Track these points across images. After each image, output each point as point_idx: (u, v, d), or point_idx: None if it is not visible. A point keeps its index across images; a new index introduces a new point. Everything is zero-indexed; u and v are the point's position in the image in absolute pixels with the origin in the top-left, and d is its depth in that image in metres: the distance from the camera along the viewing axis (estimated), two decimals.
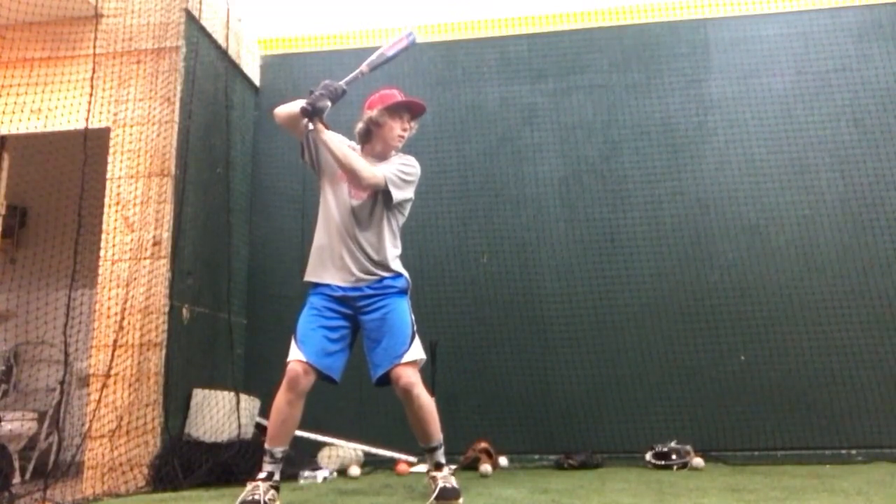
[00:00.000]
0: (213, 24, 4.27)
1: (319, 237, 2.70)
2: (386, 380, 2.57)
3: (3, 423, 4.05)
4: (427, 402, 2.55)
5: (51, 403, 4.56)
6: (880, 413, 3.94)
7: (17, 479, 4.00)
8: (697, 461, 3.61)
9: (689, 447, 3.69)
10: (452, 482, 2.52)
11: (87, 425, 3.42)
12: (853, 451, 3.89)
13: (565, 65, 4.71)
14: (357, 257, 2.61)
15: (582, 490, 2.87)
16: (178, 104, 3.81)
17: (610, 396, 4.16)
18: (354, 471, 3.71)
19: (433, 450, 2.62)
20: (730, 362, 4.12)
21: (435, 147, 4.65)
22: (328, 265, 2.64)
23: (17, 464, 4.11)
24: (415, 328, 2.64)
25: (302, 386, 2.50)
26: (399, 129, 2.75)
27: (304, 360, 2.49)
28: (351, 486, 3.27)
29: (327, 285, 2.63)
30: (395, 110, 2.74)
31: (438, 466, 2.60)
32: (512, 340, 4.30)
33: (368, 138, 2.77)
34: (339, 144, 2.60)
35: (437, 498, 2.45)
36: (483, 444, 3.81)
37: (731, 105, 4.50)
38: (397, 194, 2.64)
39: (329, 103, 2.53)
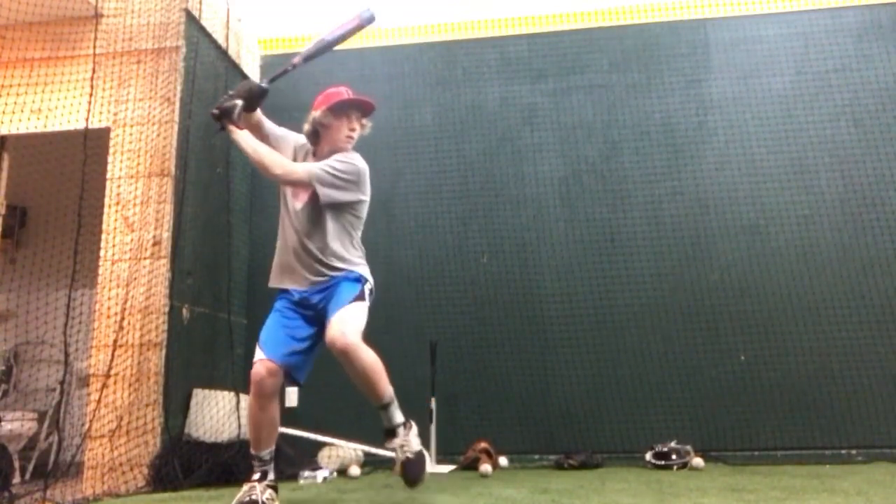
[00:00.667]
0: (213, 24, 4.27)
1: (278, 243, 2.64)
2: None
3: (3, 423, 4.05)
4: (370, 360, 2.33)
5: (51, 403, 4.56)
6: (880, 413, 3.94)
7: (17, 479, 3.99)
8: (697, 461, 3.61)
9: (689, 447, 3.69)
10: (413, 448, 2.39)
11: (87, 425, 3.42)
12: (853, 451, 3.89)
13: (565, 65, 4.71)
14: (305, 260, 2.52)
15: (582, 490, 2.87)
16: (178, 104, 3.81)
17: (610, 396, 4.16)
18: (354, 471, 3.71)
19: (386, 407, 2.41)
20: (730, 362, 4.12)
21: (435, 147, 4.65)
22: (284, 270, 2.58)
23: (17, 464, 4.11)
24: (360, 300, 2.48)
25: (268, 388, 2.43)
26: (346, 130, 2.60)
27: (264, 357, 2.42)
28: (351, 486, 3.27)
29: (286, 290, 2.57)
30: (339, 109, 2.59)
31: (394, 431, 2.42)
32: (512, 340, 4.30)
33: (316, 140, 2.64)
34: (251, 142, 2.48)
35: (403, 476, 2.38)
36: (483, 444, 3.81)
37: (731, 105, 4.50)
38: (327, 193, 2.47)
39: (239, 102, 2.44)
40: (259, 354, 2.45)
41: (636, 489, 2.87)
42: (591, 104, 4.63)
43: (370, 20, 2.78)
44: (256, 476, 2.46)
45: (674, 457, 3.63)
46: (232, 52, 4.51)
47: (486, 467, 3.56)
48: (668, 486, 2.95)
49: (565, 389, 4.20)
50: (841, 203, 4.28)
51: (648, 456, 3.70)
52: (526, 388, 4.23)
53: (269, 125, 2.70)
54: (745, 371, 4.10)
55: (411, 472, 2.40)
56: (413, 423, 2.50)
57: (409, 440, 2.43)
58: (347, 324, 2.35)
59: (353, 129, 2.62)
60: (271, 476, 2.50)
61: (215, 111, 2.46)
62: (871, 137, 4.34)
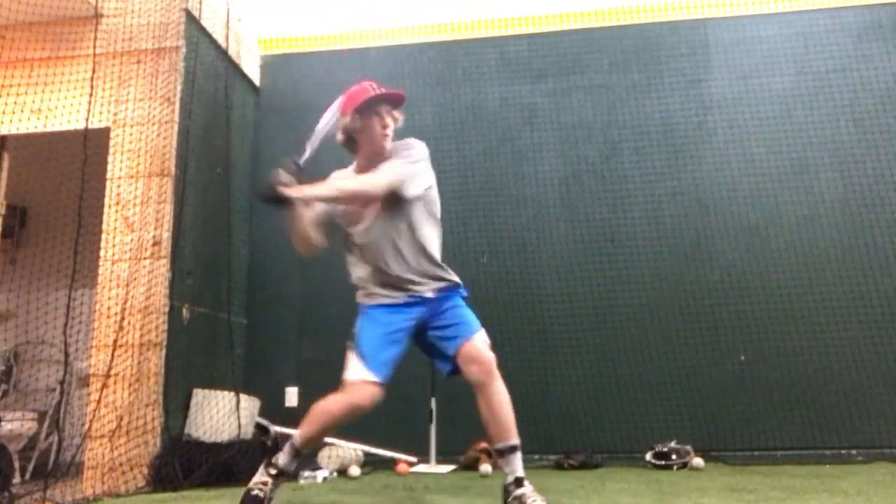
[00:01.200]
0: (213, 24, 4.27)
1: (361, 261, 2.48)
2: (457, 368, 2.41)
3: (3, 423, 4.05)
4: (505, 389, 2.33)
5: (51, 403, 4.55)
6: (880, 413, 3.94)
7: (17, 479, 3.99)
8: (697, 461, 3.61)
9: (689, 447, 3.69)
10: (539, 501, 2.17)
11: (87, 425, 3.42)
12: (853, 451, 3.89)
13: (565, 65, 4.71)
14: (414, 266, 2.42)
15: (582, 490, 2.87)
16: (178, 104, 3.81)
17: (610, 396, 4.16)
18: (354, 471, 3.71)
19: (515, 449, 2.28)
20: (730, 362, 4.12)
21: (435, 147, 4.56)
22: (385, 287, 2.44)
23: (17, 464, 4.10)
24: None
25: (368, 405, 2.30)
26: (379, 127, 2.47)
27: (375, 380, 2.30)
28: (351, 486, 3.27)
29: (385, 305, 2.45)
30: (367, 109, 2.45)
31: (521, 481, 2.23)
32: (512, 340, 4.30)
33: (353, 146, 2.53)
34: (326, 188, 2.39)
35: None
36: (483, 444, 3.80)
37: (731, 105, 4.50)
38: (410, 189, 2.39)
39: (286, 178, 2.28)
40: (366, 374, 2.30)
41: (636, 489, 2.87)
42: (591, 104, 4.63)
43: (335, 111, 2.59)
44: (274, 472, 2.35)
45: (674, 457, 3.63)
46: (232, 52, 4.51)
47: (486, 467, 3.56)
48: (668, 486, 2.95)
49: (565, 389, 4.20)
50: (841, 203, 4.28)
51: (648, 456, 3.70)
52: (526, 388, 4.22)
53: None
54: (745, 371, 4.10)
55: None
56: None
57: (536, 495, 2.20)
58: (488, 345, 2.35)
59: (385, 126, 2.48)
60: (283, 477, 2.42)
61: (268, 197, 2.27)
62: (871, 137, 4.34)
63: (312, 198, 2.34)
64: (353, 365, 2.34)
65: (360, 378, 2.30)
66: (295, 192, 2.26)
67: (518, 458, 2.27)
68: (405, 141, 2.53)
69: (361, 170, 2.51)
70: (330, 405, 2.34)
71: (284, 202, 2.26)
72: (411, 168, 2.43)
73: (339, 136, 2.53)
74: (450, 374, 2.47)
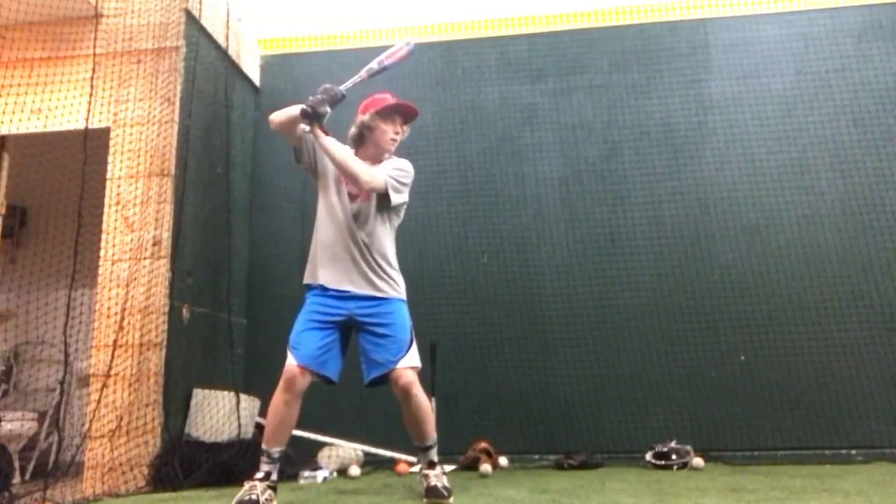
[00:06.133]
0: (213, 24, 4.27)
1: (320, 239, 2.70)
2: (379, 380, 2.63)
3: (3, 423, 4.05)
4: (424, 402, 2.62)
5: (51, 403, 4.56)
6: (880, 413, 3.94)
7: (17, 479, 4.00)
8: (697, 461, 3.61)
9: (689, 447, 3.69)
10: (444, 481, 2.59)
11: (87, 425, 3.42)
12: (853, 451, 3.89)
13: (565, 65, 4.71)
14: (358, 260, 2.64)
15: (582, 490, 2.87)
16: (178, 104, 3.81)
17: (610, 396, 4.16)
18: (354, 471, 3.71)
19: (427, 448, 2.70)
20: (730, 362, 4.12)
21: (435, 147, 4.65)
22: (328, 267, 2.65)
23: (17, 464, 4.11)
24: (413, 334, 2.71)
25: (298, 386, 2.53)
26: (391, 133, 2.77)
27: (296, 363, 2.54)
28: (351, 486, 3.27)
29: (324, 287, 2.65)
30: (386, 114, 2.76)
31: (431, 465, 2.68)
32: (512, 340, 4.30)
33: (361, 142, 2.79)
34: (339, 148, 2.62)
35: (426, 495, 2.53)
36: (483, 444, 3.81)
37: (731, 105, 4.50)
38: (396, 198, 2.68)
39: (329, 108, 2.54)
40: (290, 357, 2.56)
41: (636, 489, 2.87)
42: (591, 104, 4.63)
43: (413, 51, 2.94)
44: (260, 475, 2.48)
45: (674, 457, 3.63)
46: (232, 52, 4.51)
47: (486, 467, 3.56)
48: (668, 486, 2.95)
49: (565, 389, 4.20)
50: (841, 203, 4.28)
51: (648, 456, 3.70)
52: (526, 388, 4.22)
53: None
54: (745, 371, 4.10)
55: (434, 494, 2.54)
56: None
57: (444, 477, 2.64)
58: (413, 367, 2.61)
59: (397, 133, 2.79)
60: (274, 477, 2.51)
61: (307, 109, 2.49)
62: (871, 137, 4.34)
63: (323, 146, 2.60)
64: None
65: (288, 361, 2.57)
66: (319, 132, 2.56)
67: (432, 452, 2.72)
68: (402, 160, 2.81)
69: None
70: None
71: (311, 125, 2.52)
72: (403, 182, 2.73)
73: (352, 130, 2.79)
74: (370, 384, 2.68)
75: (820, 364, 4.05)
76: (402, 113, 2.81)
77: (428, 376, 3.91)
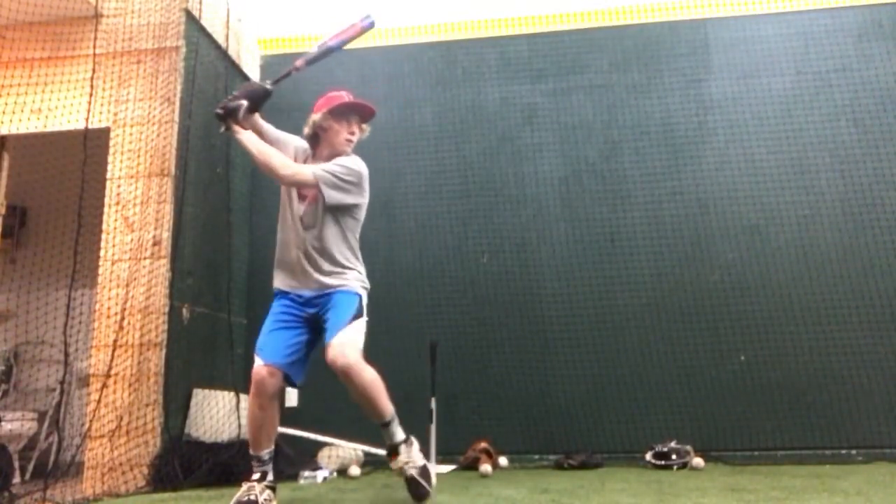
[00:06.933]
0: (213, 24, 4.27)
1: (278, 244, 2.67)
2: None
3: (3, 423, 4.05)
4: (370, 378, 2.38)
5: (51, 403, 4.56)
6: (880, 413, 3.94)
7: (17, 479, 3.99)
8: (697, 461, 3.61)
9: (689, 447, 3.69)
10: (416, 463, 2.45)
11: (87, 425, 3.42)
12: (853, 451, 3.89)
13: (565, 65, 4.71)
14: (305, 264, 2.56)
15: (582, 490, 2.87)
16: (178, 104, 3.81)
17: (610, 396, 4.16)
18: (354, 471, 3.71)
19: (387, 424, 2.47)
20: (730, 362, 4.12)
21: (435, 147, 4.65)
22: (285, 271, 2.62)
23: (17, 464, 4.10)
24: (359, 317, 2.52)
25: (269, 388, 2.46)
26: (346, 133, 2.64)
27: (263, 363, 2.47)
28: (351, 486, 3.27)
29: (285, 291, 2.61)
30: (340, 113, 2.63)
31: (395, 448, 2.48)
32: (512, 340, 4.30)
33: (316, 142, 2.68)
34: (255, 143, 2.54)
35: (408, 489, 2.44)
36: (483, 444, 3.81)
37: (731, 105, 4.50)
38: (330, 195, 2.52)
39: (244, 103, 2.50)
40: (257, 359, 2.49)
41: (636, 489, 2.87)
42: (591, 104, 4.63)
43: (370, 27, 2.87)
44: (256, 476, 2.47)
45: (674, 457, 3.63)
46: (232, 52, 4.51)
47: (486, 467, 3.56)
48: (668, 486, 2.95)
49: (565, 389, 4.20)
50: (841, 203, 4.28)
51: (648, 456, 3.70)
52: (526, 388, 4.22)
53: (270, 128, 2.74)
54: (745, 371, 4.10)
55: (418, 488, 2.43)
56: (414, 440, 2.56)
57: (413, 457, 2.48)
58: (347, 345, 2.39)
59: (352, 133, 2.66)
60: (270, 477, 2.51)
61: (219, 111, 2.50)
62: (871, 137, 4.34)
63: (239, 141, 2.54)
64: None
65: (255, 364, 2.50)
66: (237, 128, 2.52)
67: (394, 428, 2.51)
68: (350, 157, 2.66)
69: (314, 161, 2.67)
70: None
71: (226, 124, 2.52)
72: (344, 179, 2.56)
73: (306, 130, 2.69)
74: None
75: (820, 364, 4.05)
76: (359, 112, 2.68)
77: (428, 376, 3.93)
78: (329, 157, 2.64)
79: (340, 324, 2.44)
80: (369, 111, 2.70)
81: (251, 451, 2.53)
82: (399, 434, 2.50)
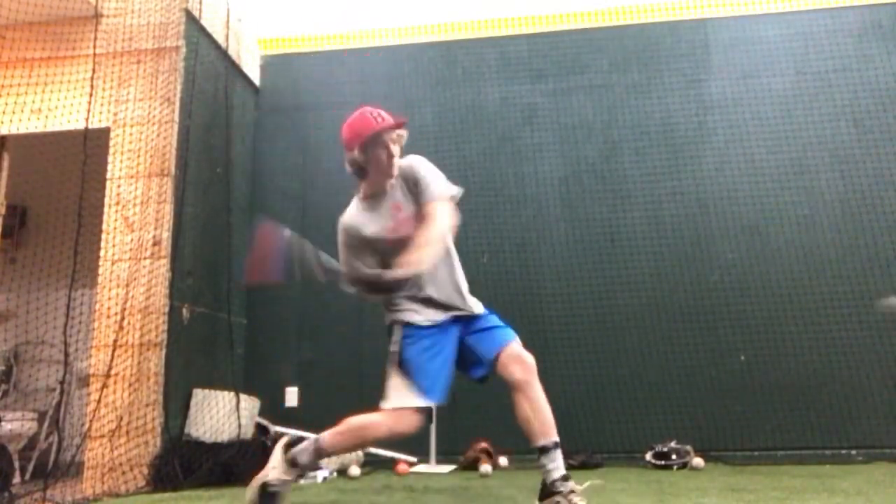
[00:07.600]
0: (213, 24, 4.27)
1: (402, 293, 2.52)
2: (491, 369, 2.49)
3: (3, 423, 4.05)
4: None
5: (51, 403, 4.55)
6: (880, 413, 3.94)
7: (17, 479, 3.99)
8: (697, 461, 3.61)
9: (689, 447, 3.68)
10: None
11: (87, 425, 3.42)
12: (853, 451, 3.89)
13: (565, 65, 4.71)
14: (457, 279, 2.64)
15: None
16: (178, 104, 3.81)
17: (610, 396, 4.16)
18: (354, 471, 3.71)
19: (557, 445, 2.40)
20: (730, 362, 4.12)
21: (435, 147, 4.64)
22: (447, 299, 2.57)
23: (17, 464, 4.10)
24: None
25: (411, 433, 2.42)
26: (385, 157, 2.49)
27: (432, 403, 2.38)
28: (351, 486, 3.27)
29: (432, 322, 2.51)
30: (374, 142, 2.46)
31: (567, 477, 2.35)
32: None
33: (364, 175, 2.54)
34: (435, 248, 2.42)
35: None
36: (483, 444, 3.81)
37: (731, 105, 4.50)
38: (453, 190, 2.55)
39: (331, 271, 2.57)
40: (423, 401, 2.37)
41: (636, 489, 2.87)
42: (591, 104, 4.63)
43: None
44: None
45: (674, 457, 3.63)
46: (232, 52, 4.51)
47: (486, 467, 3.56)
48: (668, 486, 2.95)
49: (565, 389, 4.19)
50: (841, 203, 4.28)
51: (648, 456, 3.70)
52: None
53: (350, 236, 2.57)
54: (745, 371, 4.10)
55: None
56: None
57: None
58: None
59: (392, 154, 2.51)
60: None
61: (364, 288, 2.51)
62: (871, 137, 4.34)
63: (428, 265, 2.39)
64: (402, 390, 2.36)
65: (409, 405, 2.35)
66: (403, 271, 2.31)
67: (560, 453, 2.40)
68: (417, 158, 2.58)
69: (366, 195, 2.56)
70: (371, 429, 2.40)
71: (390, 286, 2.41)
72: (442, 176, 2.54)
73: (348, 168, 2.54)
74: (482, 379, 2.55)
75: (820, 364, 4.05)
76: (390, 127, 2.54)
77: None
78: (382, 181, 2.53)
79: (507, 326, 2.53)
80: (399, 125, 2.54)
81: (326, 452, 2.48)
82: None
